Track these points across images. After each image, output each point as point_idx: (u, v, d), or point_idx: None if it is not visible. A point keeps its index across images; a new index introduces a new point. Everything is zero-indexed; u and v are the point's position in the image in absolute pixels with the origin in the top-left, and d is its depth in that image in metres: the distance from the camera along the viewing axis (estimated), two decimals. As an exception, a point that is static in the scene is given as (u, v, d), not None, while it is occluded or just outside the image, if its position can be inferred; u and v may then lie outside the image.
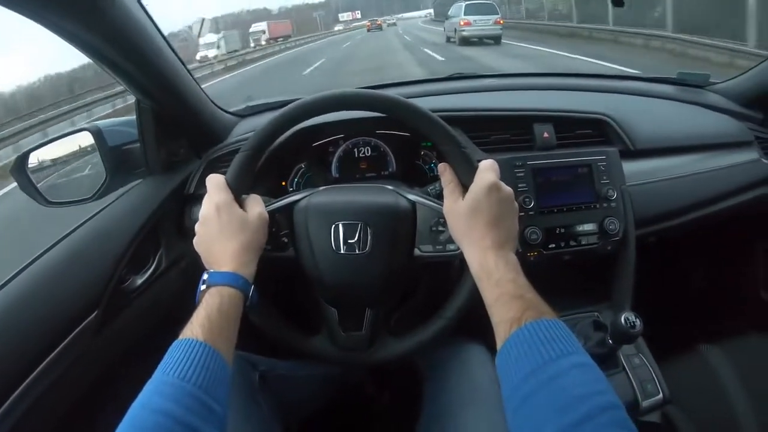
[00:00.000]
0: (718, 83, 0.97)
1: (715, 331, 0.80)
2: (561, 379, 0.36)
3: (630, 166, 0.76)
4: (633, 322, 0.60)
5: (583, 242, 0.71)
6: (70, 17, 0.49)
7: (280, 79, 10.74)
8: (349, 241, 0.55)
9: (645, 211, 0.76)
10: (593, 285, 0.78)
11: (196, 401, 0.39)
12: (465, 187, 0.52)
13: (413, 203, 0.58)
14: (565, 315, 0.75)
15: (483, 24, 10.83)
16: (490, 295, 0.46)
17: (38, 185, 0.71)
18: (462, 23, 11.04)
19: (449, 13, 12.73)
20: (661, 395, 0.67)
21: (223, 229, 0.52)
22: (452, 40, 12.21)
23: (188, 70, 0.71)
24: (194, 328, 0.44)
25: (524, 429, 0.36)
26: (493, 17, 10.88)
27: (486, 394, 0.60)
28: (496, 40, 10.83)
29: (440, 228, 0.56)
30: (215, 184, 0.54)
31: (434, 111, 0.55)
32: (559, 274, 0.74)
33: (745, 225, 0.93)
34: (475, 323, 0.59)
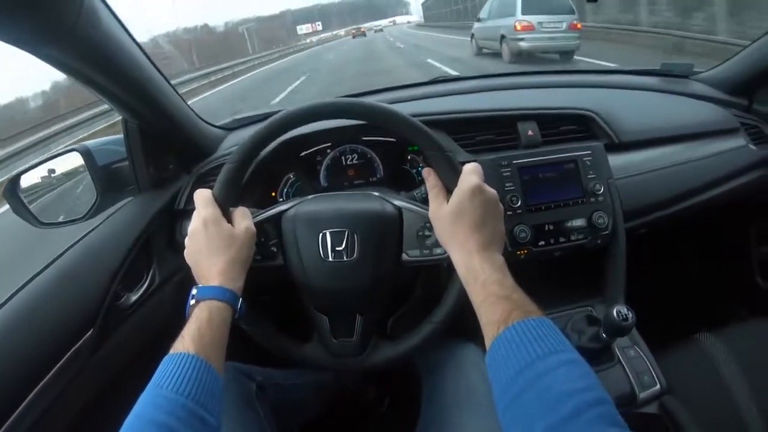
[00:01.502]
0: (701, 72, 0.98)
1: (710, 319, 0.80)
2: (548, 376, 0.37)
3: (616, 160, 0.77)
4: (625, 315, 0.60)
5: (573, 238, 0.72)
6: (52, 43, 0.50)
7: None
8: (337, 248, 0.56)
9: (634, 203, 0.76)
10: (585, 280, 0.78)
11: (189, 414, 0.39)
12: (449, 190, 0.53)
13: (399, 209, 0.58)
14: (558, 311, 0.75)
15: (553, 29, 6.25)
16: (476, 297, 0.46)
17: (30, 207, 0.72)
18: (518, 26, 6.33)
19: (482, 14, 8.08)
20: (658, 386, 0.67)
21: (211, 244, 0.52)
22: (486, 51, 8.05)
23: (173, 87, 0.72)
24: (185, 342, 0.44)
25: (515, 428, 0.37)
26: (567, 19, 6.21)
27: (482, 394, 0.60)
28: (566, 56, 6.45)
29: (427, 232, 0.57)
30: (202, 198, 0.55)
31: (417, 115, 0.56)
32: (551, 270, 0.74)
33: (735, 211, 0.93)
34: (469, 324, 0.60)
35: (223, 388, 0.45)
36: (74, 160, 0.73)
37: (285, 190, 0.81)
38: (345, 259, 0.56)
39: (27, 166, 0.74)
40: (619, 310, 0.61)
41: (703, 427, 0.64)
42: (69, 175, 0.77)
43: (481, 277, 0.46)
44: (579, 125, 0.81)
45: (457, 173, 0.52)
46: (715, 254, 1.06)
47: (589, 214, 0.72)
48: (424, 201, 0.60)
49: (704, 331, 0.78)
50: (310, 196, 0.62)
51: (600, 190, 0.72)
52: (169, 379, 0.41)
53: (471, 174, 0.52)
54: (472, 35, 8.66)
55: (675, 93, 0.92)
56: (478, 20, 8.30)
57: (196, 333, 0.45)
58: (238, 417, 0.58)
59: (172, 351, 0.44)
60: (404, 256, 0.58)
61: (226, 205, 0.55)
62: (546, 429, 0.34)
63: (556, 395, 0.35)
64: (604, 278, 0.76)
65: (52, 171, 0.77)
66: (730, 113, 0.88)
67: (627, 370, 0.68)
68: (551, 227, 0.71)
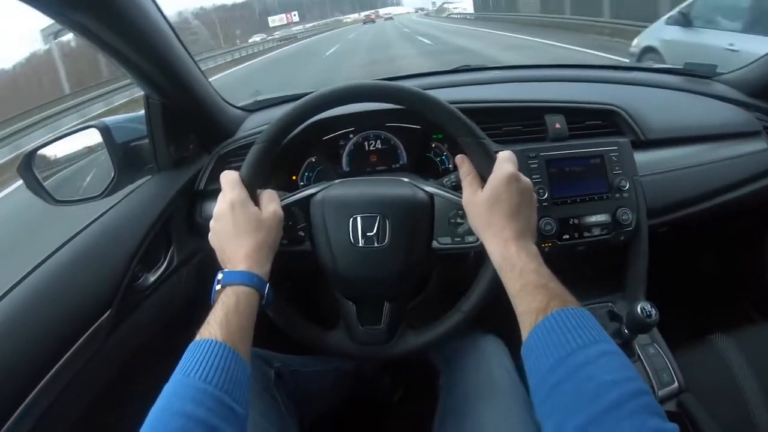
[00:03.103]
0: (725, 73, 0.97)
1: (727, 319, 0.81)
2: (589, 367, 0.36)
3: (641, 157, 0.76)
4: (649, 311, 0.61)
5: (597, 233, 0.71)
6: (83, 11, 0.49)
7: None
8: (368, 234, 0.55)
9: (657, 201, 0.76)
10: (607, 275, 0.78)
11: (218, 403, 0.38)
12: (483, 178, 0.52)
13: (431, 195, 0.58)
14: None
15: None
16: (513, 285, 0.46)
17: (45, 184, 0.70)
18: None
19: (695, 10, 3.19)
20: (676, 384, 0.68)
21: (238, 227, 0.51)
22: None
23: (198, 66, 0.71)
24: (212, 328, 0.43)
25: (553, 418, 0.36)
26: None
27: (502, 386, 0.60)
28: None
29: (459, 220, 0.56)
30: (229, 180, 0.54)
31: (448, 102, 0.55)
32: (574, 264, 0.74)
33: (754, 214, 0.93)
34: (490, 316, 0.59)
35: (249, 377, 0.44)
36: (92, 137, 0.72)
37: (306, 173, 0.80)
38: (376, 245, 0.55)
39: (43, 141, 0.72)
40: (643, 307, 0.61)
41: (719, 426, 0.64)
42: (86, 152, 0.75)
43: (518, 266, 0.46)
44: (605, 120, 0.80)
45: (492, 161, 0.52)
46: (732, 256, 1.06)
47: (613, 210, 0.71)
48: (455, 188, 0.60)
49: (718, 332, 0.79)
50: (337, 180, 0.61)
51: (625, 186, 0.71)
52: (197, 367, 0.40)
53: (506, 162, 0.51)
54: (647, 51, 3.81)
55: (698, 93, 0.92)
56: (684, 20, 3.38)
57: (223, 319, 0.44)
58: (257, 403, 0.57)
59: (198, 337, 0.43)
60: (435, 244, 0.57)
61: (253, 187, 0.54)
62: (587, 419, 0.33)
63: (597, 386, 0.35)
64: (625, 275, 0.76)
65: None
66: (753, 116, 0.88)
67: (647, 367, 0.69)
68: (576, 221, 0.71)
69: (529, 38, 9.19)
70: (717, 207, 0.81)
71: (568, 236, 0.71)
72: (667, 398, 0.67)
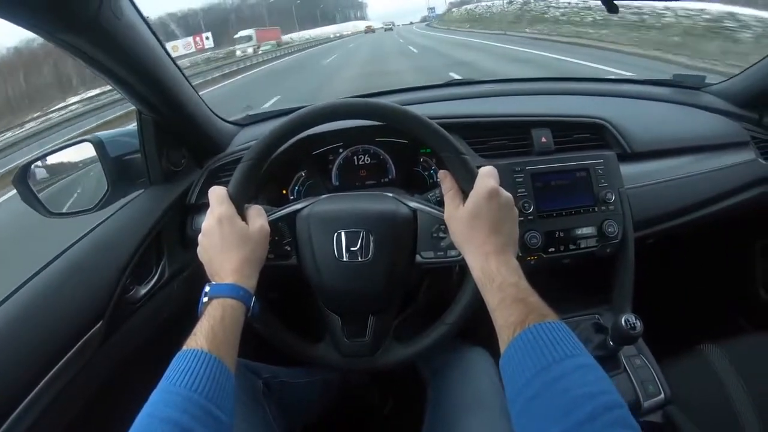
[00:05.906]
0: (713, 84, 0.98)
1: (715, 330, 0.81)
2: (565, 380, 0.37)
3: (628, 169, 0.77)
4: (633, 323, 0.61)
5: (583, 245, 0.72)
6: (72, 31, 0.50)
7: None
8: (352, 248, 0.56)
9: (643, 213, 0.76)
10: (593, 287, 0.78)
11: (203, 411, 0.39)
12: (465, 193, 0.53)
13: (414, 210, 0.58)
14: (565, 318, 0.76)
15: None
16: (492, 299, 0.46)
17: (39, 196, 0.71)
18: None
19: None
20: (662, 395, 0.68)
21: (225, 242, 0.52)
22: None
23: (189, 81, 0.72)
24: (199, 339, 0.44)
25: (530, 431, 0.37)
26: None
27: (489, 399, 0.60)
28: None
29: (441, 234, 0.57)
30: (217, 196, 0.55)
31: (432, 118, 0.56)
32: (560, 277, 0.74)
33: (742, 225, 0.93)
34: (477, 329, 0.60)
35: (234, 386, 0.45)
36: (86, 151, 0.73)
37: (296, 188, 0.81)
38: (360, 259, 0.56)
39: (38, 154, 0.73)
40: (627, 319, 0.62)
41: None
42: (80, 165, 0.77)
43: (498, 280, 0.47)
44: (592, 133, 0.81)
45: (473, 176, 0.53)
46: (720, 266, 1.07)
47: (599, 223, 0.72)
48: (438, 203, 0.61)
49: (707, 342, 0.79)
50: (323, 196, 0.62)
51: (611, 198, 0.72)
52: (183, 376, 0.40)
53: (487, 177, 0.52)
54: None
55: (686, 104, 0.92)
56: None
57: (209, 331, 0.45)
58: (245, 414, 0.58)
59: (184, 348, 0.44)
60: (418, 258, 0.58)
61: (240, 202, 0.55)
62: None
63: (571, 399, 0.35)
64: (611, 286, 0.76)
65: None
66: (741, 126, 0.88)
67: (632, 378, 0.69)
68: (562, 234, 0.72)
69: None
70: (705, 218, 0.82)
71: (553, 249, 0.71)
72: (652, 409, 0.68)
